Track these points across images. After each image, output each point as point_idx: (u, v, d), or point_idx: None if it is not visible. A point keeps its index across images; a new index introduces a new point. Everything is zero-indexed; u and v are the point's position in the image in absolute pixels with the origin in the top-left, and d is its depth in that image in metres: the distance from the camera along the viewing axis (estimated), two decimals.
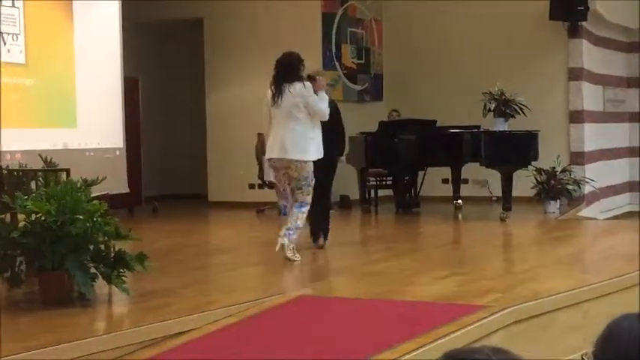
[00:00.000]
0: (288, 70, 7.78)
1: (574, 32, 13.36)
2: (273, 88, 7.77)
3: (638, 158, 15.44)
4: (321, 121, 7.79)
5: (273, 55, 13.32)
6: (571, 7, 13.05)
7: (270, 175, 8.17)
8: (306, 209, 7.72)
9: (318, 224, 8.49)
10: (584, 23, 13.38)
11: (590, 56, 13.80)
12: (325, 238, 8.55)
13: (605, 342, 1.93)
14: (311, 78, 7.94)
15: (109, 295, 5.98)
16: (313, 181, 7.72)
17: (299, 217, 7.68)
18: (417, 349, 4.69)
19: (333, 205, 12.27)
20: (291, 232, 7.63)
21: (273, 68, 7.86)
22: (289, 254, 7.58)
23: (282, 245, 7.58)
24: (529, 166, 11.32)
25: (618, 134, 15.18)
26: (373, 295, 6.22)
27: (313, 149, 7.69)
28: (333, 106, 8.26)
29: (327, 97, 7.86)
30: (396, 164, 12.02)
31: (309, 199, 7.72)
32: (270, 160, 7.92)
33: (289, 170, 7.70)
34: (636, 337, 1.91)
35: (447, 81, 14.07)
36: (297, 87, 7.65)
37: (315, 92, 7.76)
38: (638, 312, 1.98)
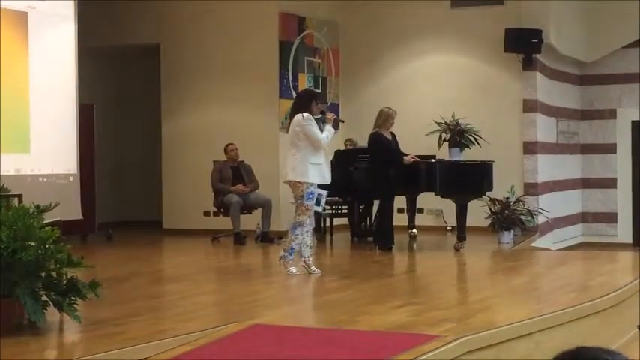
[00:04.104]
0: (297, 103, 8.90)
1: (528, 65, 13.54)
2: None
3: (590, 189, 15.64)
4: None
5: (230, 82, 13.51)
6: (525, 40, 13.26)
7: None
8: (299, 230, 8.51)
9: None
10: (538, 56, 13.57)
11: (544, 88, 13.98)
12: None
13: None
14: (323, 113, 8.99)
15: (61, 322, 5.89)
16: (311, 202, 8.50)
17: (293, 238, 8.52)
18: None
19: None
20: (287, 255, 8.56)
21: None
22: (313, 270, 8.57)
23: (284, 266, 8.61)
24: (483, 197, 11.39)
25: (571, 166, 15.37)
26: (327, 324, 6.20)
27: (314, 173, 8.50)
28: None
29: (332, 130, 8.74)
30: (352, 193, 12.05)
31: (302, 218, 8.51)
32: None
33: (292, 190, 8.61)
34: None
35: (402, 111, 14.12)
36: (297, 118, 8.54)
37: (323, 124, 8.73)
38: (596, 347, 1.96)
